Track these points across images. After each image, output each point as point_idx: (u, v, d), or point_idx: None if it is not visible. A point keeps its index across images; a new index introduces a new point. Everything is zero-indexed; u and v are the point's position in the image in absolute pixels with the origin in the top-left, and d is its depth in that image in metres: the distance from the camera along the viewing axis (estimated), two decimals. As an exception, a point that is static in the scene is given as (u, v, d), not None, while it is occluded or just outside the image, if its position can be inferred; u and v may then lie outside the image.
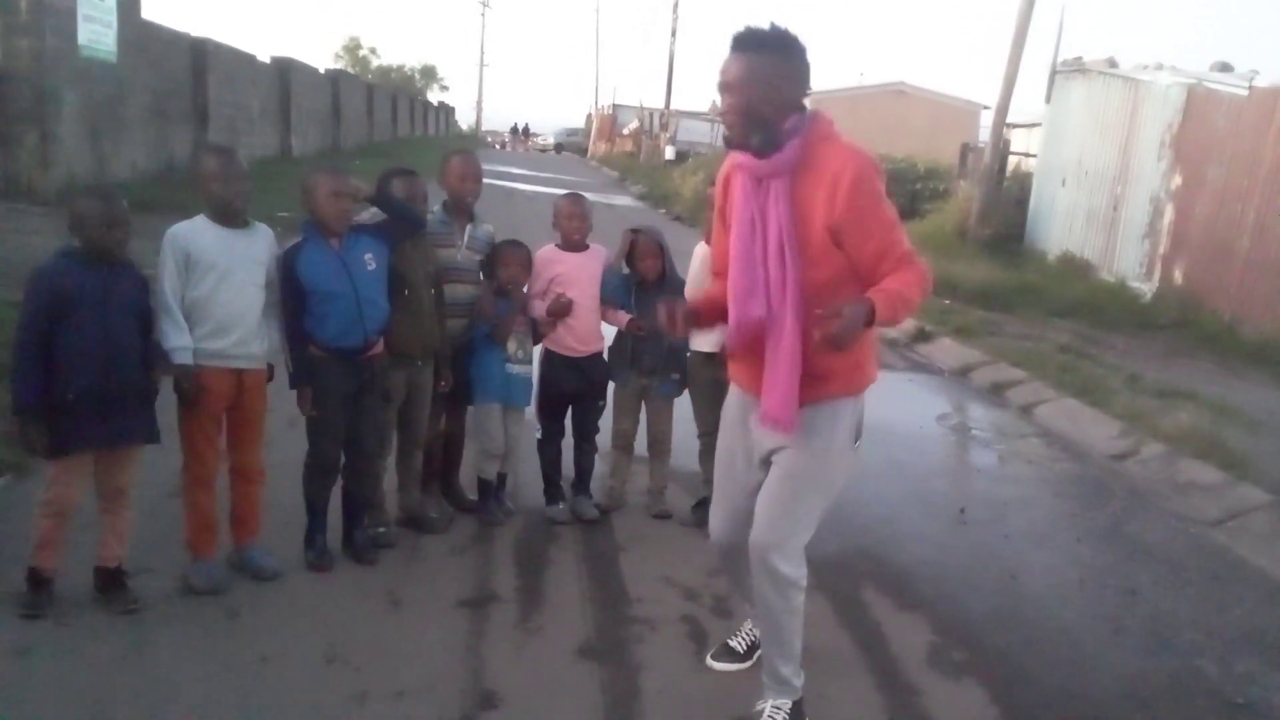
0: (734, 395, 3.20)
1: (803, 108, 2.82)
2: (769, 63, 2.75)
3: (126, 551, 3.60)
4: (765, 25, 2.81)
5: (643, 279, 4.62)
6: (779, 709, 3.14)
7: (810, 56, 2.83)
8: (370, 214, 4.04)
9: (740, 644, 3.56)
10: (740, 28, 2.79)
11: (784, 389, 2.84)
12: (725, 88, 2.80)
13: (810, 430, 2.91)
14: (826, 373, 2.86)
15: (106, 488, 3.54)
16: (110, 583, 3.56)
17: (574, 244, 4.61)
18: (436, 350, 4.25)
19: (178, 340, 3.55)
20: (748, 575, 3.13)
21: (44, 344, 3.28)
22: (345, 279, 3.80)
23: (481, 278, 4.45)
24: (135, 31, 14.27)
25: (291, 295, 3.78)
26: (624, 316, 4.63)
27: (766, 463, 3.06)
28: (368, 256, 3.87)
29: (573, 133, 72.50)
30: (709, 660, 3.56)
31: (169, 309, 3.56)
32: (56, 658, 3.22)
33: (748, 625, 3.58)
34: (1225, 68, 13.23)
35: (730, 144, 2.90)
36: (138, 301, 3.50)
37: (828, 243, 2.78)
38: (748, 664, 3.49)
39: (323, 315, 3.79)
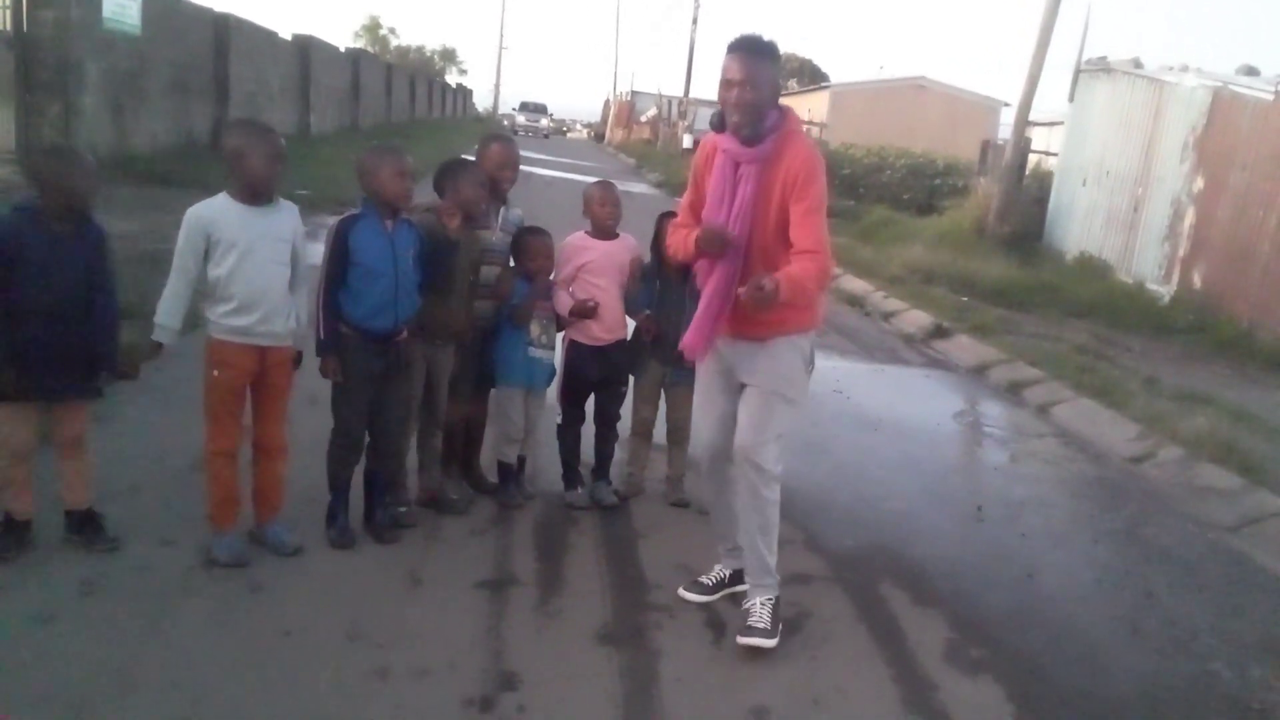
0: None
1: (779, 106, 3.47)
2: (770, 69, 3.41)
3: (93, 494, 3.73)
4: (760, 34, 3.43)
5: (666, 264, 4.60)
6: (766, 603, 3.64)
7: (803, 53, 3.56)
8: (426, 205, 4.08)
9: (709, 579, 3.98)
10: (740, 34, 3.42)
11: (700, 325, 3.57)
12: (737, 84, 3.35)
13: (776, 357, 3.58)
14: (781, 318, 3.48)
15: (61, 438, 3.65)
16: (85, 524, 3.69)
17: (605, 231, 4.60)
18: (460, 334, 4.25)
19: (164, 318, 3.61)
20: (727, 487, 3.80)
21: None
22: (390, 260, 3.82)
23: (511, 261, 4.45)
24: (159, 5, 14.28)
25: (336, 264, 3.79)
26: (641, 314, 4.68)
27: (739, 385, 3.69)
28: (411, 251, 3.90)
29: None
30: (680, 590, 3.94)
31: (172, 283, 3.60)
32: (80, 627, 3.24)
33: (718, 566, 4.00)
34: (1251, 71, 13.16)
35: (718, 128, 3.51)
36: (91, 261, 3.52)
37: (779, 219, 3.42)
38: (713, 597, 3.92)
39: (360, 291, 3.80)
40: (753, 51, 3.36)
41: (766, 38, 3.43)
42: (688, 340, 3.63)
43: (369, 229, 3.82)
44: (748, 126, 3.39)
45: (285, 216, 3.76)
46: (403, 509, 4.23)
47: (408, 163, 3.89)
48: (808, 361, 3.66)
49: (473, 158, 4.38)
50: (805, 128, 3.48)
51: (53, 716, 2.82)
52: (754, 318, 3.44)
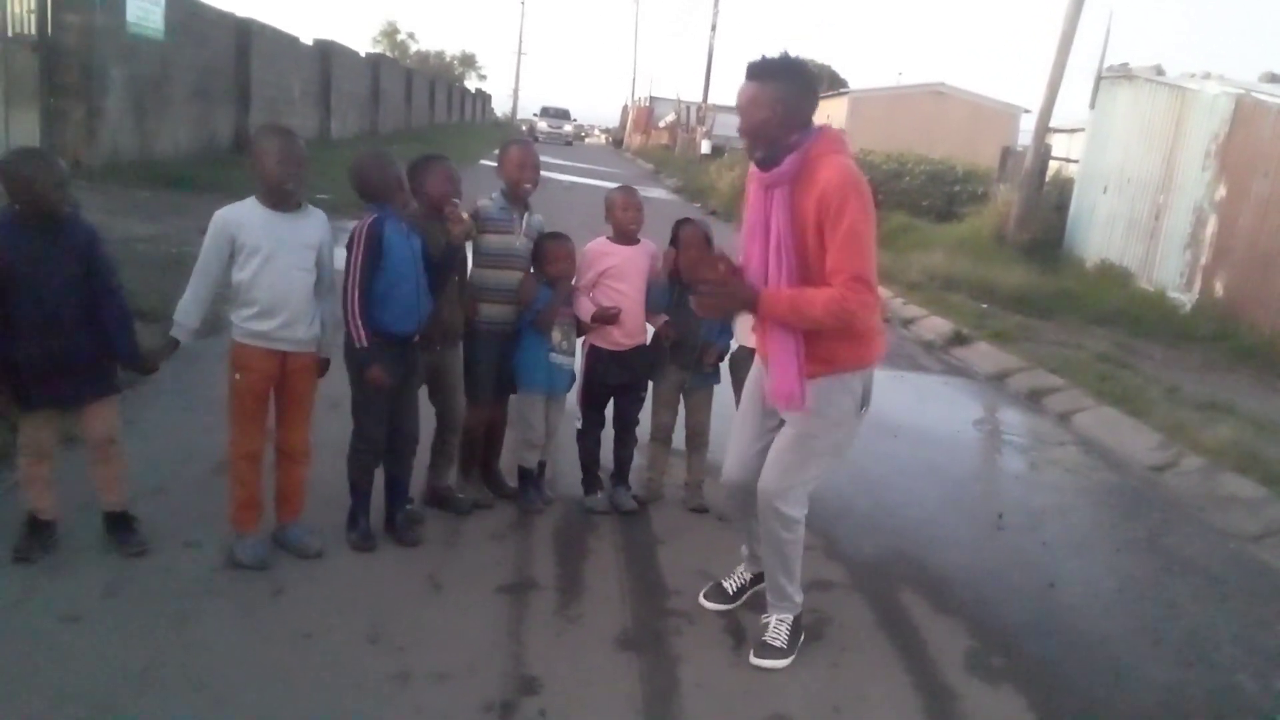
0: (756, 361, 3.67)
1: (808, 124, 3.26)
2: (773, 89, 3.20)
3: (127, 495, 3.78)
4: (775, 55, 3.27)
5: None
6: (783, 620, 3.60)
7: (815, 80, 3.41)
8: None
9: (731, 586, 3.95)
10: (755, 57, 3.25)
11: (783, 372, 3.30)
12: (738, 110, 3.29)
13: (821, 399, 3.33)
14: (832, 353, 3.29)
15: (90, 439, 3.69)
16: (119, 526, 3.74)
17: (627, 236, 4.60)
18: (454, 335, 4.28)
19: (182, 317, 3.65)
20: (751, 515, 3.62)
21: None
22: (413, 265, 3.83)
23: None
24: (182, 10, 14.41)
25: (369, 268, 3.75)
26: (659, 319, 4.66)
27: (779, 419, 3.48)
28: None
29: None
30: (701, 599, 3.91)
31: (193, 284, 3.65)
32: (104, 627, 3.27)
33: (740, 569, 3.97)
34: (1274, 78, 13.04)
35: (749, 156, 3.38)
36: (83, 261, 3.50)
37: (818, 245, 3.20)
38: (735, 605, 3.91)
39: (384, 297, 3.79)
40: (751, 75, 3.23)
41: (777, 56, 3.27)
42: (782, 392, 3.31)
43: (395, 233, 3.82)
44: (750, 149, 3.30)
45: (313, 223, 3.77)
46: (409, 505, 4.23)
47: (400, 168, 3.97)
48: (859, 401, 3.41)
49: (441, 155, 4.34)
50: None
51: (76, 716, 2.84)
52: (811, 354, 3.26)
